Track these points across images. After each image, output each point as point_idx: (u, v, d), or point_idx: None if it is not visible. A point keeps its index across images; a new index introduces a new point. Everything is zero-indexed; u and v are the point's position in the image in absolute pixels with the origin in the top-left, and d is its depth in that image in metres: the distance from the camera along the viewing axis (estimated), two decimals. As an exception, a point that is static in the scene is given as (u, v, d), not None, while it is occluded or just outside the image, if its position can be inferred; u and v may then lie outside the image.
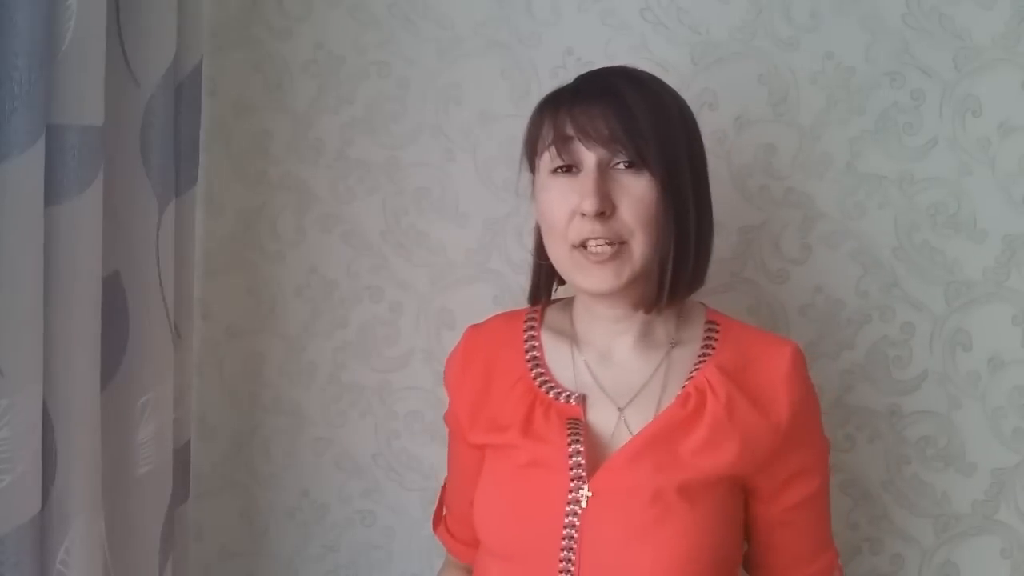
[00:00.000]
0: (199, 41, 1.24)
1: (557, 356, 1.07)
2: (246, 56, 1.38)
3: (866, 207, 1.33)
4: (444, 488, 1.22)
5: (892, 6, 1.30)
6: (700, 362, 1.03)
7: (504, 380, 1.06)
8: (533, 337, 1.09)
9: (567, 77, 1.31)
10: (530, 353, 1.07)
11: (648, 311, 1.03)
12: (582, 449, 0.99)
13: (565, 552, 0.97)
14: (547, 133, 1.01)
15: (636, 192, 0.97)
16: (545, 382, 1.05)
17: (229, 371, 1.44)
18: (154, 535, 1.18)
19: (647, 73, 1.05)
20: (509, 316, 1.14)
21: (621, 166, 0.98)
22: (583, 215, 0.97)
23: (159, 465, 1.18)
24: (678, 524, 0.96)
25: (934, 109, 1.32)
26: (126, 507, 1.14)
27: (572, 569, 0.97)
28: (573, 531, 0.97)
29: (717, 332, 1.06)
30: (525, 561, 1.00)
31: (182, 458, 1.30)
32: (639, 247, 0.98)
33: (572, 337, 1.08)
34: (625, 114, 0.97)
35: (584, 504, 0.97)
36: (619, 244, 0.98)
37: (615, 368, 1.05)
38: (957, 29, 1.30)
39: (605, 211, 0.96)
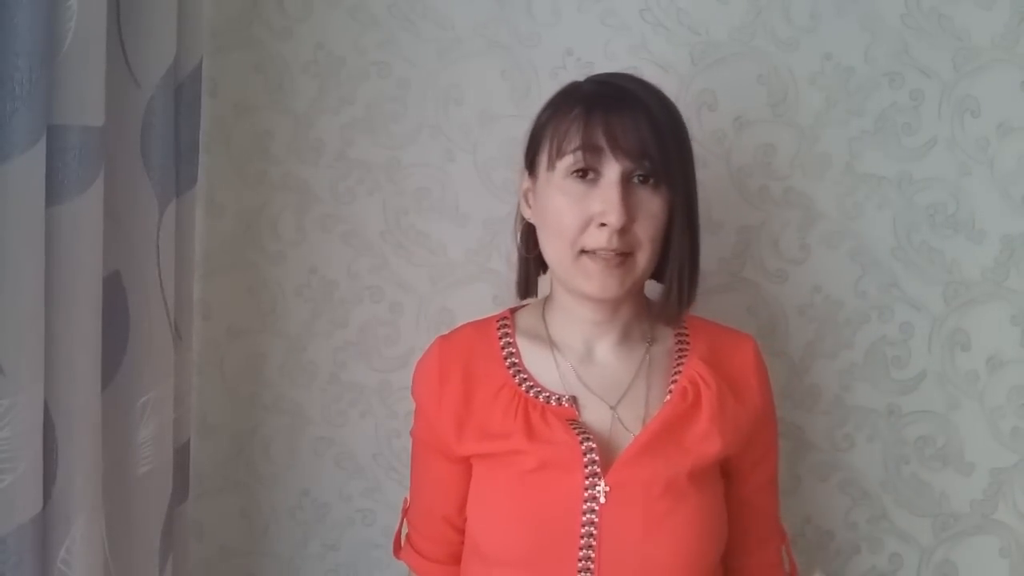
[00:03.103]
0: (199, 41, 1.24)
1: (537, 360, 1.08)
2: (246, 56, 1.39)
3: (865, 207, 1.34)
4: (406, 510, 1.19)
5: (891, 7, 1.31)
6: (680, 357, 1.08)
7: (486, 389, 1.05)
8: (510, 344, 1.09)
9: (567, 78, 1.31)
10: (509, 360, 1.08)
11: (668, 322, 1.08)
12: (595, 446, 1.00)
13: (584, 550, 0.99)
14: (574, 136, 0.99)
15: (652, 208, 1.00)
16: (532, 387, 1.05)
17: (229, 371, 1.44)
18: (154, 534, 1.18)
19: (659, 88, 1.05)
20: (478, 325, 1.13)
21: (638, 179, 1.00)
22: (602, 225, 0.98)
23: (159, 465, 1.18)
24: (691, 508, 1.00)
25: (933, 109, 1.32)
26: (126, 506, 1.14)
27: (592, 567, 0.98)
28: (592, 528, 0.99)
29: (686, 328, 1.11)
30: (542, 565, 1.00)
31: (182, 458, 1.30)
32: (643, 260, 1.00)
33: (548, 340, 1.09)
34: (656, 130, 0.99)
35: (603, 499, 0.99)
36: (626, 255, 1.00)
37: (599, 368, 1.07)
38: (956, 29, 1.30)
39: (626, 225, 0.98)
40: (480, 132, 1.37)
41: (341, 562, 1.45)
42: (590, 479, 0.99)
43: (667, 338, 1.10)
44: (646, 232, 0.99)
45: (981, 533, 1.37)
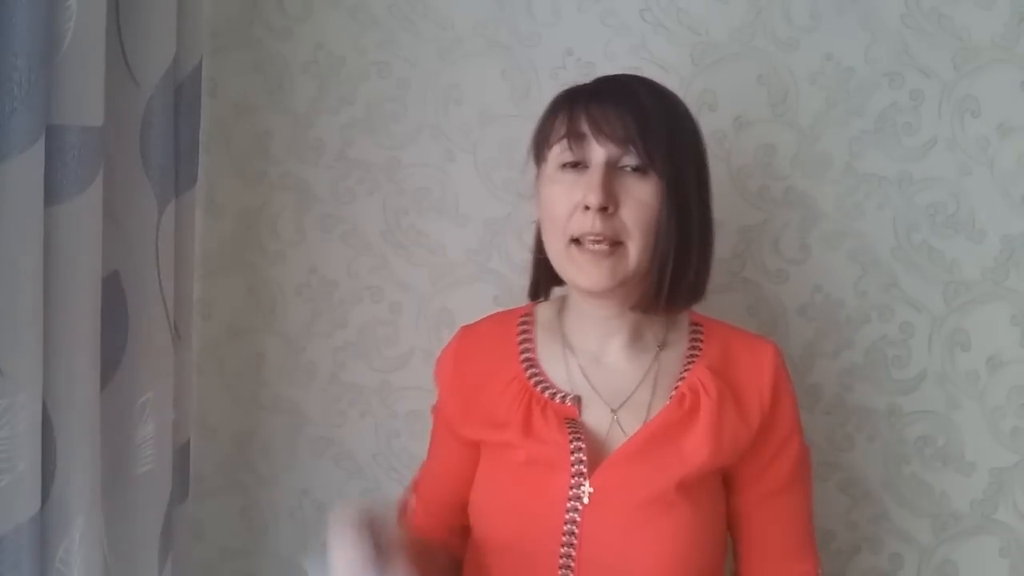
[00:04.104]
0: (199, 41, 1.24)
1: (550, 357, 1.09)
2: (246, 56, 1.39)
3: (865, 207, 1.34)
4: (416, 480, 1.21)
5: (891, 6, 1.30)
6: (689, 363, 1.06)
7: (498, 379, 1.07)
8: (527, 339, 1.10)
9: (567, 77, 1.32)
10: (525, 355, 1.09)
11: (645, 311, 1.05)
12: (584, 446, 1.01)
13: (565, 548, 0.99)
14: (560, 127, 1.02)
15: (639, 195, 0.99)
16: (540, 382, 1.06)
17: (229, 371, 1.44)
18: (153, 534, 1.18)
19: (661, 84, 1.07)
20: (502, 317, 1.15)
21: (628, 168, 1.00)
22: (586, 208, 0.98)
23: (158, 465, 1.19)
24: (679, 519, 0.99)
25: (933, 109, 1.32)
26: (126, 506, 1.14)
27: (572, 565, 0.99)
28: (574, 527, 0.99)
29: (702, 333, 1.09)
30: (524, 557, 1.01)
31: (181, 458, 1.30)
32: (635, 249, 0.99)
33: (563, 339, 1.10)
34: (641, 117, 0.99)
35: (586, 500, 0.99)
36: (616, 244, 0.99)
37: (606, 370, 1.07)
38: (956, 29, 1.30)
39: (608, 207, 0.98)
40: (480, 132, 1.37)
41: (341, 562, 1.45)
42: (576, 479, 1.00)
43: (680, 342, 1.09)
44: (634, 219, 0.98)
45: (981, 533, 1.37)
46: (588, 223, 0.98)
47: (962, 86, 1.31)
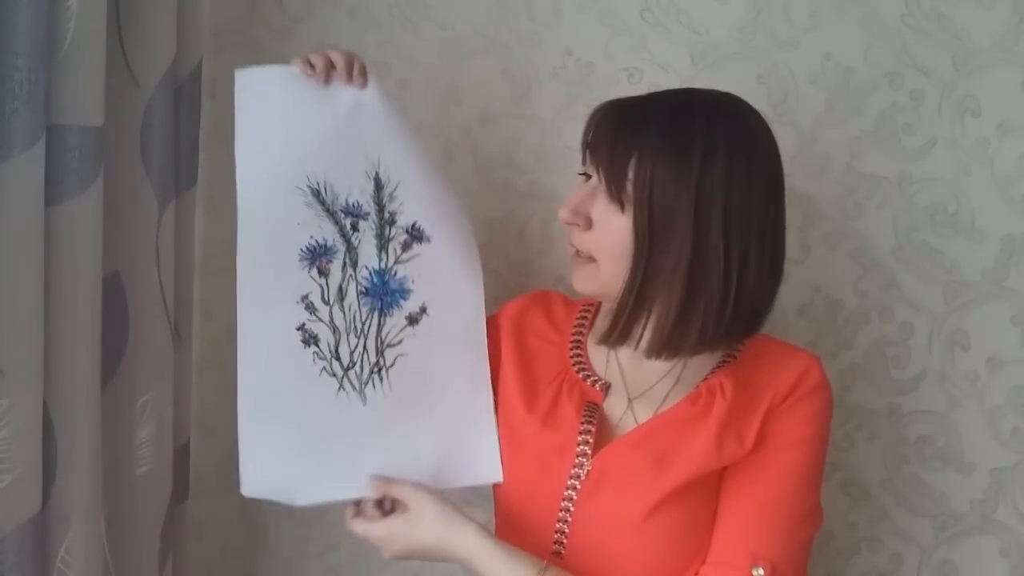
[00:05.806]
0: (199, 42, 1.24)
1: (597, 348, 1.12)
2: (246, 57, 1.38)
3: (865, 207, 1.34)
4: None
5: (891, 7, 1.30)
6: (717, 367, 1.07)
7: (544, 347, 1.14)
8: (583, 326, 1.15)
9: (567, 77, 1.32)
10: (575, 338, 1.14)
11: (649, 356, 1.02)
12: (593, 429, 1.04)
13: (560, 524, 1.03)
14: (582, 137, 1.06)
15: (609, 222, 1.01)
16: (579, 363, 1.11)
17: (229, 371, 1.43)
18: (154, 534, 1.19)
19: (717, 98, 1.02)
20: (571, 301, 1.20)
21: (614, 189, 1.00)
22: None
23: (158, 465, 1.19)
24: (671, 511, 0.99)
25: (933, 109, 1.32)
26: (126, 507, 1.14)
27: (564, 542, 1.02)
28: (570, 504, 1.02)
29: (742, 344, 1.08)
30: (521, 529, 1.05)
31: (182, 458, 1.30)
32: (605, 269, 1.02)
33: None
34: (622, 146, 0.98)
35: (584, 476, 1.02)
36: (589, 258, 1.03)
37: (638, 363, 1.09)
38: (956, 29, 1.30)
39: (578, 223, 1.02)
40: (480, 132, 1.37)
41: (341, 561, 1.45)
42: (579, 459, 1.03)
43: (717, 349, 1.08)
44: (598, 242, 1.02)
45: (981, 533, 1.37)
46: (570, 235, 1.05)
47: (962, 86, 1.31)
